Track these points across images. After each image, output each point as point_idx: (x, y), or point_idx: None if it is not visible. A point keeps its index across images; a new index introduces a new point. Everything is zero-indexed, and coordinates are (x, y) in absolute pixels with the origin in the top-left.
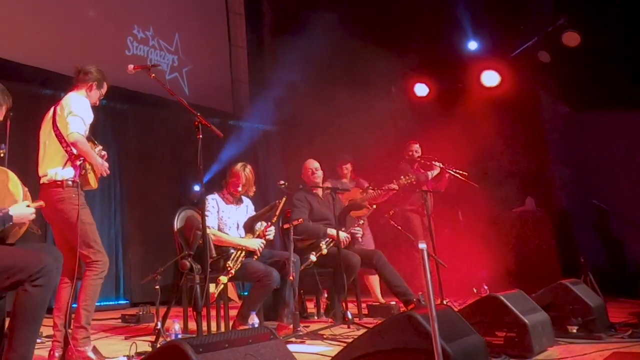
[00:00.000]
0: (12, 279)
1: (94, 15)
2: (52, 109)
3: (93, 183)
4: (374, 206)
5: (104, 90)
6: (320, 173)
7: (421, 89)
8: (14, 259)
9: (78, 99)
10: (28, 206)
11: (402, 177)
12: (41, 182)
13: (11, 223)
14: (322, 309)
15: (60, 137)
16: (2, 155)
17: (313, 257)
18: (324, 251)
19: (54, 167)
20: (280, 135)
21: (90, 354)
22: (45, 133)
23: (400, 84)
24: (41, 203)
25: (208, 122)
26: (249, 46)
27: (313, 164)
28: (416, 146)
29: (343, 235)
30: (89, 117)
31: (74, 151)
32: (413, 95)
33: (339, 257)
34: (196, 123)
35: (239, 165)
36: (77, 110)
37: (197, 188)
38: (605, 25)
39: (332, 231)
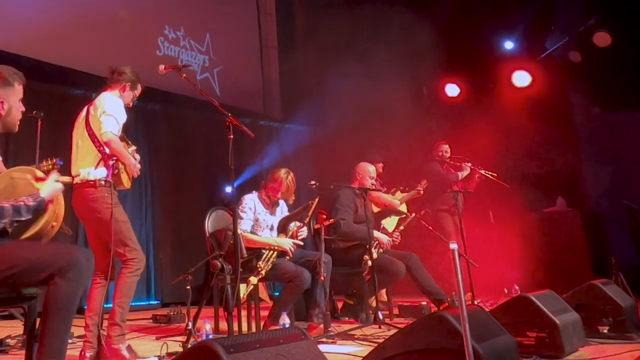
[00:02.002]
0: (44, 274)
1: (125, 15)
2: (85, 109)
3: (126, 183)
4: (413, 214)
5: (138, 91)
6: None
7: (452, 89)
8: (44, 253)
9: (111, 99)
10: (56, 181)
11: (421, 182)
12: (74, 182)
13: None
14: (339, 310)
15: (93, 136)
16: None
17: (370, 262)
18: (375, 255)
19: (86, 167)
20: (311, 135)
21: (125, 352)
22: (78, 133)
23: (431, 84)
24: (68, 179)
25: (239, 123)
26: (280, 46)
27: (371, 168)
28: (446, 147)
29: (386, 239)
30: (123, 117)
31: (107, 151)
32: (444, 96)
33: (383, 264)
34: (227, 123)
35: (282, 172)
36: (110, 110)
37: (229, 190)
38: (636, 26)
39: (377, 234)
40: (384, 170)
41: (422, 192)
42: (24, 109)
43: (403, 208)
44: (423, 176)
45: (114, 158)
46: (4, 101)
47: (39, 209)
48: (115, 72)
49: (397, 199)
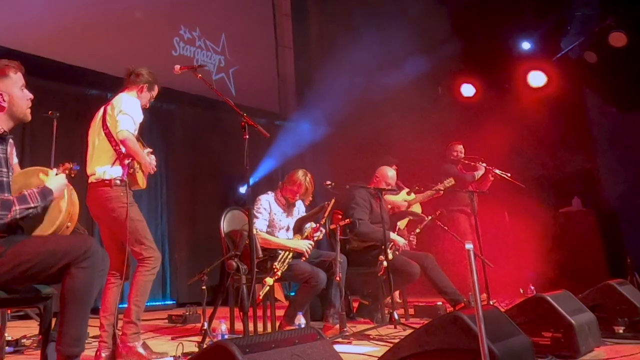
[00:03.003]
0: (59, 265)
1: (141, 16)
2: (102, 109)
3: (141, 182)
4: (430, 217)
5: (155, 92)
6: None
7: (468, 89)
8: (57, 244)
9: (129, 99)
10: (56, 174)
11: (444, 181)
12: (89, 181)
13: (52, 198)
14: (354, 310)
15: (109, 136)
16: (73, 175)
17: (385, 263)
18: (390, 257)
19: (102, 166)
20: (327, 135)
21: (140, 350)
22: (95, 132)
23: (447, 84)
24: (70, 166)
25: (254, 123)
26: (295, 46)
27: (391, 173)
28: (460, 147)
29: (402, 241)
30: (139, 116)
31: (123, 150)
32: (459, 96)
33: (398, 265)
34: (242, 123)
35: (300, 174)
36: (127, 109)
37: (242, 190)
38: None
39: (394, 236)
40: (398, 172)
41: (442, 191)
42: (31, 95)
43: (417, 208)
44: (439, 177)
45: (130, 158)
46: (3, 93)
47: (46, 196)
48: (133, 73)
49: (409, 199)
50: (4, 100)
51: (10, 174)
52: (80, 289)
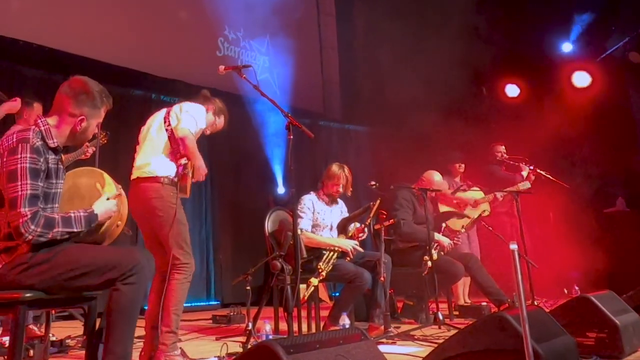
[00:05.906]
0: (104, 277)
1: (185, 16)
2: (164, 109)
3: (188, 189)
4: (475, 216)
5: (219, 121)
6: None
7: (512, 90)
8: (106, 258)
9: (196, 105)
10: (108, 199)
11: (519, 184)
12: (136, 175)
13: (97, 222)
14: (399, 311)
15: (170, 132)
16: (105, 141)
17: (429, 263)
18: (435, 257)
19: (157, 158)
20: (371, 135)
21: (179, 359)
22: (151, 127)
23: (492, 84)
24: (118, 193)
25: (299, 123)
26: (339, 47)
27: (437, 178)
28: (502, 147)
29: (447, 241)
30: (202, 122)
31: (181, 150)
32: (504, 96)
33: (443, 265)
34: (287, 124)
35: (335, 167)
36: (192, 111)
37: (280, 191)
38: None
39: (438, 237)
40: (453, 170)
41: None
42: (96, 131)
43: (486, 207)
44: (485, 179)
45: (185, 160)
46: (85, 119)
47: (91, 223)
48: (204, 96)
49: (478, 199)
50: (80, 125)
51: (60, 184)
52: (127, 305)
